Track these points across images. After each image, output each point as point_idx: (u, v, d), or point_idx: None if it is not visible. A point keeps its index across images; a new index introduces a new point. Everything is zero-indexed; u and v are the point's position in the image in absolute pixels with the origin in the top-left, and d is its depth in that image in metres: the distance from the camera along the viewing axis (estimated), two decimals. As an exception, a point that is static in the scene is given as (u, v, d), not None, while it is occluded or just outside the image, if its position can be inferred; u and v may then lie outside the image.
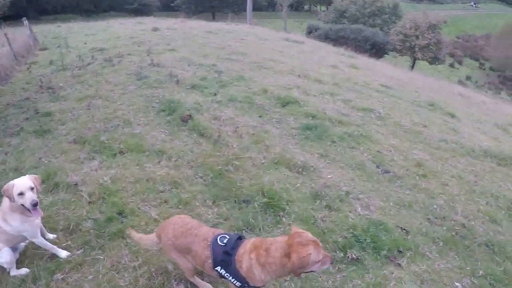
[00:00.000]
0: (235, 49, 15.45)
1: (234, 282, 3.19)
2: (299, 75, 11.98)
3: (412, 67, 39.71)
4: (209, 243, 3.29)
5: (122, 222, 4.66)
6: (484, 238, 5.24)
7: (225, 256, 3.18)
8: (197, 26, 22.79)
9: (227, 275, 3.20)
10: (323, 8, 72.38)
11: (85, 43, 17.43)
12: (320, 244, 3.01)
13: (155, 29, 20.11)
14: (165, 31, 19.55)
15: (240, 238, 3.30)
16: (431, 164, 7.11)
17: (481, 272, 4.63)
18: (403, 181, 6.28)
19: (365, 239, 4.75)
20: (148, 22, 26.49)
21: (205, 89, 9.46)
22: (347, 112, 8.92)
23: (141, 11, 57.01)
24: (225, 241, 3.24)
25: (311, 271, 3.04)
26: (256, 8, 66.31)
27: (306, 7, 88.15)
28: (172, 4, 67.33)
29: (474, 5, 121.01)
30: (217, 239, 3.28)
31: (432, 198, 5.99)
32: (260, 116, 8.13)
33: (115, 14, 57.54)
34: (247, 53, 14.59)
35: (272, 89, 9.81)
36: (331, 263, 3.33)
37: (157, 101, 8.51)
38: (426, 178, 6.55)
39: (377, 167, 6.58)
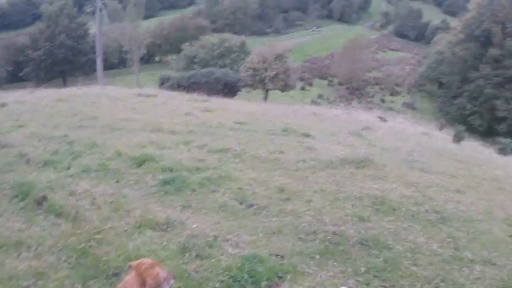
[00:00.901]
0: (87, 114, 15.05)
1: None
2: (152, 130, 11.98)
3: (266, 98, 41.59)
4: None
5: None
6: (357, 238, 5.72)
7: None
8: (47, 95, 21.80)
9: None
10: (174, 57, 73.53)
11: None
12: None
13: (3, 105, 18.77)
14: (13, 106, 18.39)
15: None
16: (292, 186, 7.49)
17: (362, 269, 5.00)
18: (268, 210, 6.54)
19: (242, 277, 4.85)
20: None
21: (58, 164, 9.05)
22: (204, 157, 9.11)
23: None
24: None
25: None
26: (107, 66, 65.37)
27: (157, 58, 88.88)
28: (20, 74, 64.00)
29: (316, 30, 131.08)
30: None
31: (299, 217, 6.31)
32: (117, 181, 7.97)
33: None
34: (99, 117, 14.28)
35: (126, 150, 9.69)
36: (174, 278, 3.66)
37: (8, 187, 7.93)
38: (290, 201, 6.90)
39: (241, 203, 6.78)
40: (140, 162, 8.90)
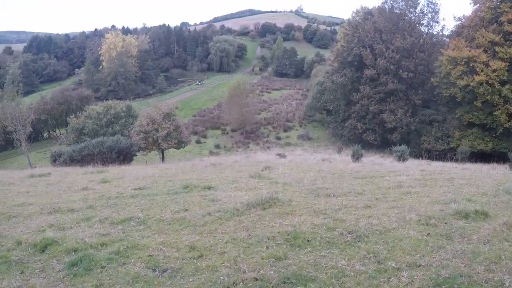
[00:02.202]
0: None
1: None
2: (50, 212, 11.31)
3: (163, 158, 41.18)
4: None
5: None
6: (278, 278, 5.73)
7: None
8: None
9: None
10: (63, 131, 70.87)
11: None
12: None
13: None
14: None
15: None
16: (203, 241, 7.37)
17: None
18: (183, 271, 6.34)
19: None
20: None
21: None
22: (107, 231, 8.70)
23: None
24: None
25: None
26: None
27: (45, 134, 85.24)
28: None
29: (199, 83, 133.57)
30: None
31: (216, 271, 6.17)
32: (21, 272, 7.33)
33: None
34: None
35: (26, 237, 9.02)
36: None
37: None
38: (203, 257, 6.76)
39: (154, 270, 6.52)
40: (42, 247, 8.31)
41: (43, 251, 8.17)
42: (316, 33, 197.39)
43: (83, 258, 7.29)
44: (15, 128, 50.29)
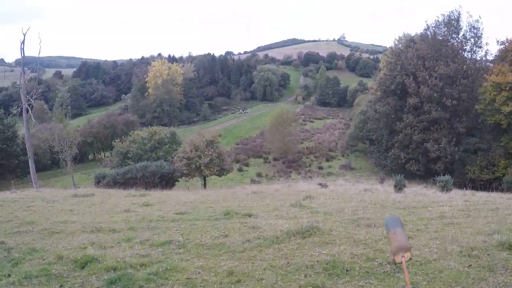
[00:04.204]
0: (23, 219, 14.35)
1: None
2: (92, 231, 11.58)
3: (204, 185, 41.57)
4: None
5: None
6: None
7: None
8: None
9: None
10: (107, 154, 72.76)
11: None
12: None
13: None
14: None
15: None
16: (241, 267, 7.38)
17: None
18: (220, 296, 6.35)
19: None
20: None
21: (-2, 272, 8.51)
22: (147, 252, 8.84)
23: None
24: None
25: None
26: (40, 168, 63.73)
27: (90, 156, 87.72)
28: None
29: (243, 112, 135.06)
30: None
31: (253, 298, 6.15)
32: (60, 286, 7.55)
33: None
34: (36, 221, 13.65)
35: (67, 253, 9.26)
36: None
37: None
38: (240, 282, 6.76)
39: (192, 294, 6.56)
40: (83, 264, 8.52)
41: (83, 267, 8.36)
42: (359, 62, 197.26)
43: (122, 277, 7.42)
44: (62, 149, 51.83)
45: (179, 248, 8.98)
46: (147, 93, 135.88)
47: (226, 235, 9.73)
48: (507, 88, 48.63)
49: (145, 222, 12.39)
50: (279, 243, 8.77)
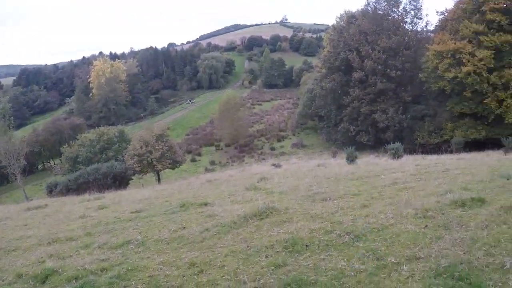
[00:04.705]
0: None
1: None
2: (49, 243, 11.28)
3: (159, 180, 41.16)
4: None
5: None
6: (279, 286, 5.71)
7: None
8: None
9: None
10: (57, 161, 70.67)
11: None
12: None
13: None
14: None
15: None
16: (202, 257, 7.37)
17: None
18: (184, 289, 6.33)
19: None
20: None
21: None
22: (107, 256, 8.69)
23: None
24: None
25: None
26: None
27: (40, 166, 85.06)
28: None
29: (190, 102, 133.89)
30: None
31: (216, 285, 6.17)
32: (23, 306, 7.37)
33: None
34: None
35: (26, 269, 8.98)
36: None
37: None
38: (203, 272, 6.76)
39: (155, 291, 6.51)
40: (43, 278, 8.29)
41: (44, 281, 8.15)
42: (302, 42, 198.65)
43: (84, 285, 7.28)
44: (9, 162, 50.16)
45: (139, 247, 8.88)
46: (91, 94, 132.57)
47: (184, 227, 9.68)
48: (449, 56, 50.25)
49: (102, 226, 12.18)
50: (237, 228, 8.80)
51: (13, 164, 50.00)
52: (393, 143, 29.21)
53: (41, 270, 8.67)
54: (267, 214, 9.45)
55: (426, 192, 10.41)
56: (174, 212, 12.00)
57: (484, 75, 47.83)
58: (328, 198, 10.93)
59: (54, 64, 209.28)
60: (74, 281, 7.73)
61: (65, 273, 8.18)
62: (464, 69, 47.97)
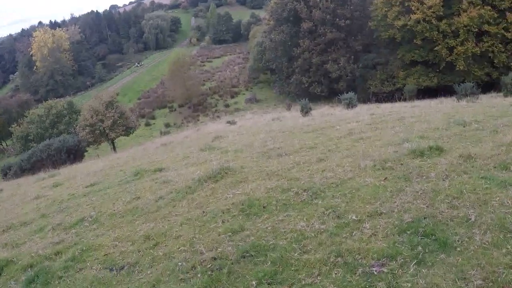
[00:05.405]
0: None
1: None
2: (3, 230, 10.81)
3: (114, 149, 40.40)
4: None
5: None
6: (237, 253, 5.52)
7: None
8: None
9: None
10: (9, 142, 68.25)
11: None
12: None
13: None
14: None
15: None
16: (157, 228, 7.15)
17: (254, 283, 4.81)
18: (140, 265, 6.11)
19: None
20: None
21: None
22: (61, 238, 8.33)
23: None
24: None
25: None
26: None
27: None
28: None
29: (138, 65, 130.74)
30: None
31: (173, 258, 5.95)
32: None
33: None
34: None
35: None
36: None
37: None
38: (159, 245, 6.54)
39: (111, 270, 6.25)
40: (-1, 269, 7.95)
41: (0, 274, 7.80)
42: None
43: (39, 273, 6.96)
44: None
45: (93, 224, 8.56)
46: (35, 67, 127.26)
47: (138, 197, 9.38)
48: (397, 4, 50.35)
49: (56, 205, 11.74)
50: (192, 193, 8.55)
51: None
52: (347, 93, 29.30)
53: (-5, 260, 8.28)
54: (222, 175, 9.19)
55: (383, 142, 10.25)
56: (128, 181, 11.65)
57: (434, 23, 48.37)
58: (284, 154, 10.75)
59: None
60: (29, 269, 7.39)
61: (20, 262, 7.82)
62: (414, 16, 48.36)
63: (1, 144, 78.89)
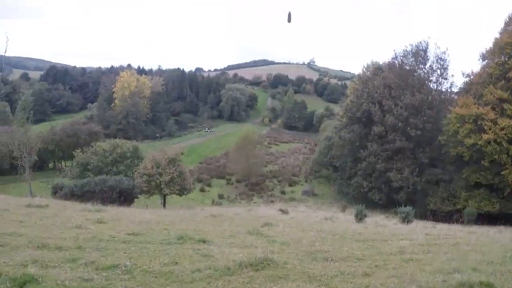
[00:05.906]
0: None
1: None
2: (38, 246, 11.00)
3: (164, 204, 40.87)
4: None
5: None
6: None
7: None
8: None
9: None
10: (68, 163, 70.71)
11: None
12: None
13: None
14: None
15: None
16: (188, 301, 7.04)
17: None
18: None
19: None
20: None
21: None
22: (90, 276, 8.37)
23: None
24: None
25: None
26: None
27: (50, 165, 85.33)
28: None
29: (209, 131, 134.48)
30: None
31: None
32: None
33: None
34: None
35: (7, 269, 8.68)
36: None
37: None
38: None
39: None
40: (21, 283, 7.98)
41: (21, 287, 7.88)
42: (327, 87, 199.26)
43: (59, 302, 6.98)
44: (21, 155, 50.44)
45: (125, 274, 8.56)
46: (113, 104, 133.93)
47: (176, 263, 9.36)
48: (471, 121, 49.36)
49: (95, 242, 11.91)
50: (230, 275, 8.45)
51: (24, 157, 50.27)
52: (405, 205, 28.75)
53: (22, 274, 8.38)
54: (264, 265, 9.08)
55: (433, 267, 9.93)
56: (170, 243, 11.70)
57: (504, 145, 46.85)
58: (330, 259, 10.54)
59: (83, 67, 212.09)
60: (51, 295, 7.45)
61: (44, 284, 7.90)
62: (485, 136, 47.02)
63: (61, 163, 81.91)
